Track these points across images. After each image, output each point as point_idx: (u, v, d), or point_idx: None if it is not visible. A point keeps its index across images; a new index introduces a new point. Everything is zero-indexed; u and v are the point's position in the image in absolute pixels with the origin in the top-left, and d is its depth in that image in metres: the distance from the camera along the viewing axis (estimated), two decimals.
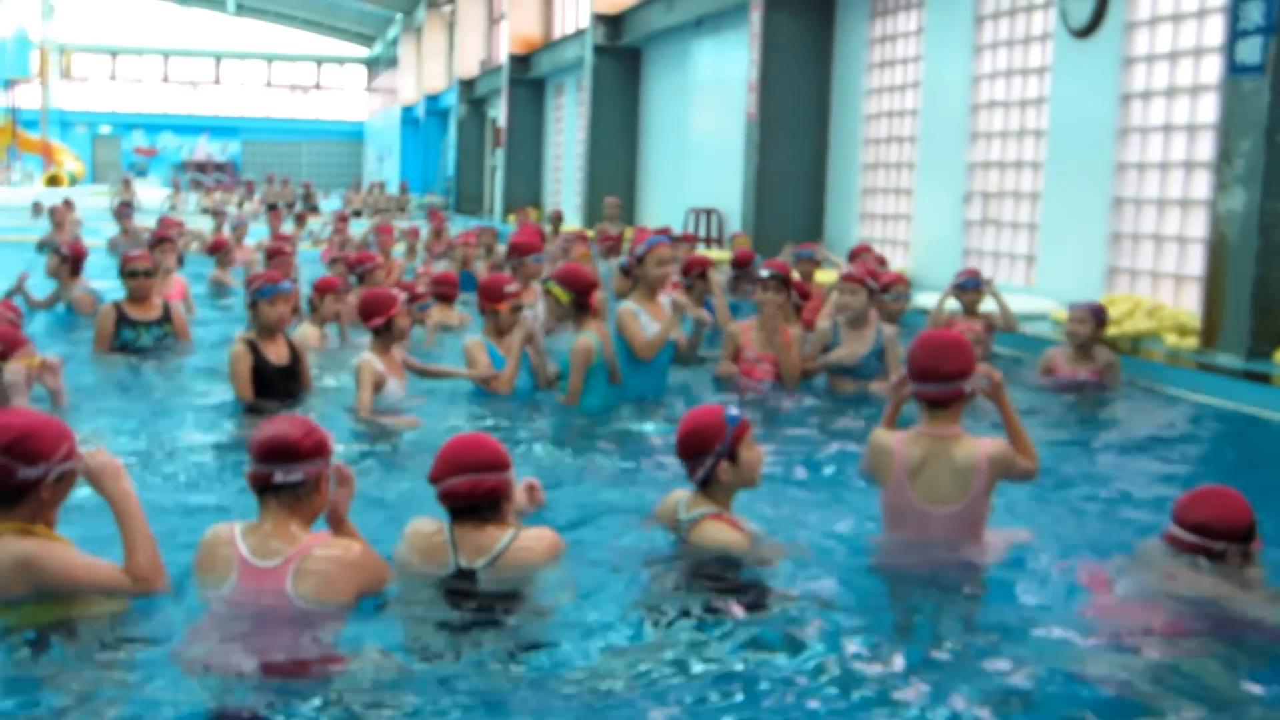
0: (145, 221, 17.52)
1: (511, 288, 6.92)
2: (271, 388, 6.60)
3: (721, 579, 3.96)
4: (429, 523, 3.94)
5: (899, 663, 3.51)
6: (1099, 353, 7.84)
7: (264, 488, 3.61)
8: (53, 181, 42.80)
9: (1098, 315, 7.81)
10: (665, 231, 8.66)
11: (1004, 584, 4.18)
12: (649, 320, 6.75)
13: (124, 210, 16.62)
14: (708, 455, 4.04)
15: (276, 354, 6.69)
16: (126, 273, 8.11)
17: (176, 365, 7.90)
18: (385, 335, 6.60)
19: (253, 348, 6.60)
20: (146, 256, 8.35)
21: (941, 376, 4.21)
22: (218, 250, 13.00)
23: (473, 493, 3.79)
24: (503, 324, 6.91)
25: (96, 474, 3.54)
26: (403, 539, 3.95)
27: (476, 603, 3.74)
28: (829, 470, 5.76)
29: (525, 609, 3.78)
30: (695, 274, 8.42)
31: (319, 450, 3.65)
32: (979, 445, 4.24)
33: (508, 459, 3.89)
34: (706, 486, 4.10)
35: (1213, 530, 3.69)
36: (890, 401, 4.55)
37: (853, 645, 3.61)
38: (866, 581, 4.23)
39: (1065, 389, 7.72)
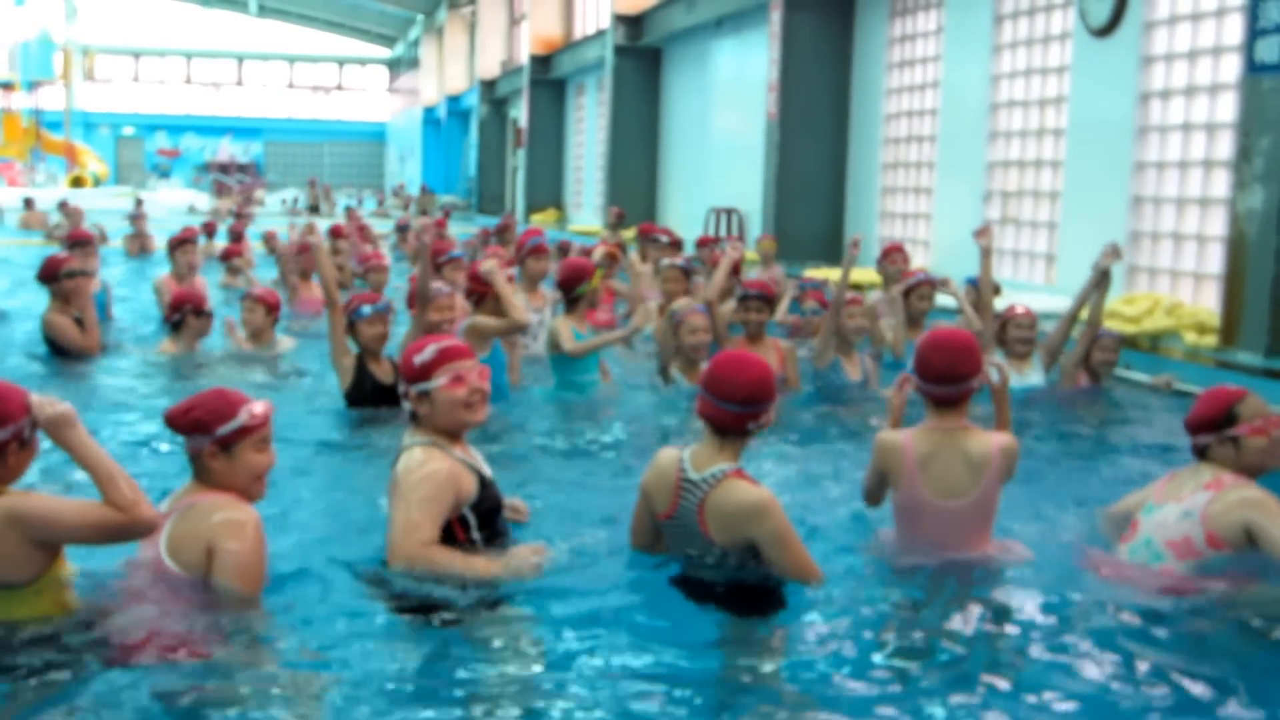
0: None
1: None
2: (375, 402, 6.54)
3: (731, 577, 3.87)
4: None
5: (908, 664, 3.53)
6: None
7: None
8: (76, 183, 43.03)
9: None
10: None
11: (1014, 582, 4.17)
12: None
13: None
14: (770, 403, 3.86)
15: (382, 372, 6.59)
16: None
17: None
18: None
19: (360, 361, 6.54)
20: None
21: (955, 378, 4.19)
22: (229, 258, 13.18)
23: None
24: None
25: (52, 424, 3.35)
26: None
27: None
28: (841, 469, 5.76)
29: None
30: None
31: (194, 429, 3.60)
32: (990, 437, 4.23)
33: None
34: (726, 439, 3.85)
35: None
36: (893, 405, 4.51)
37: (864, 644, 3.63)
38: (874, 580, 4.19)
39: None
